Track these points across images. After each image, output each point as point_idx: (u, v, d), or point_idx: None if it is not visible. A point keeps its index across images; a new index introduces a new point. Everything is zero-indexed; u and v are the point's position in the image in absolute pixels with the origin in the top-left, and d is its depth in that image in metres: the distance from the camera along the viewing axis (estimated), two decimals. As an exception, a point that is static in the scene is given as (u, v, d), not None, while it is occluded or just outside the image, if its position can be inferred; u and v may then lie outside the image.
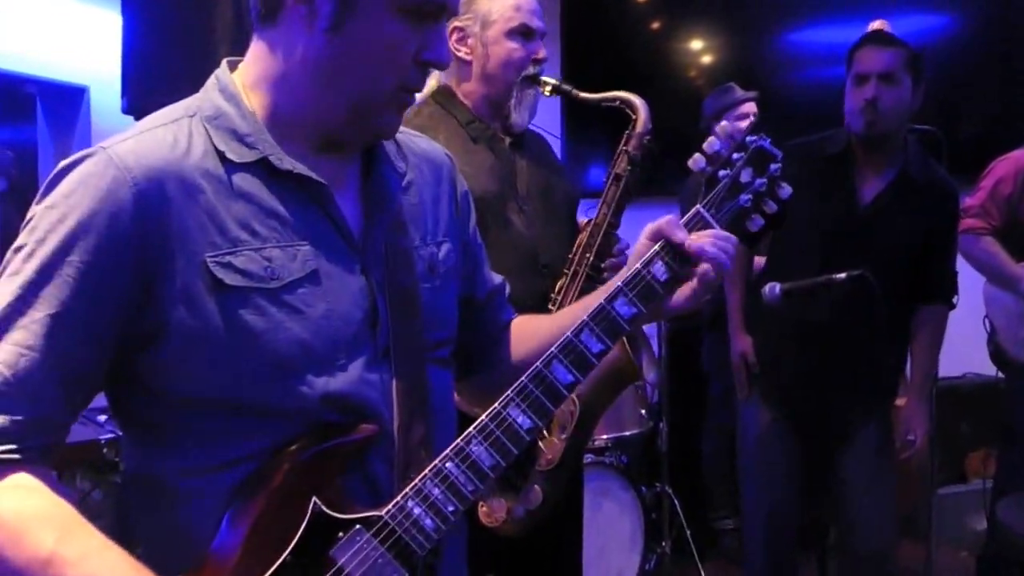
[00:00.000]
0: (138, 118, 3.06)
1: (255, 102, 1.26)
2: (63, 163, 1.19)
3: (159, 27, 2.97)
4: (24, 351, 1.13)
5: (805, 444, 2.99)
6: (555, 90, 2.32)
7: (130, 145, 1.19)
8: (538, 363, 1.28)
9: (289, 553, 1.17)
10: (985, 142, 4.40)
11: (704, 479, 4.56)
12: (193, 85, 1.32)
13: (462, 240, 1.47)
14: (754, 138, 1.39)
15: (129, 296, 1.16)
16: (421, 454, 1.26)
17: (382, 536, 1.20)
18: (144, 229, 1.15)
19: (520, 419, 1.26)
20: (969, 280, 3.65)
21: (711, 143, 1.38)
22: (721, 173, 1.38)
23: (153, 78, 2.95)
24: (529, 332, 1.54)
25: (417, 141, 1.46)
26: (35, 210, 1.18)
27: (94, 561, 1.11)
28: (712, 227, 1.37)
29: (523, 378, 1.27)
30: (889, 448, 3.01)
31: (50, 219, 1.15)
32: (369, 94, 1.23)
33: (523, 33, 2.29)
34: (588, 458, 3.55)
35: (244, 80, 1.27)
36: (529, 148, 2.44)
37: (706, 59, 5.62)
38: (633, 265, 1.35)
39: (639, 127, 2.26)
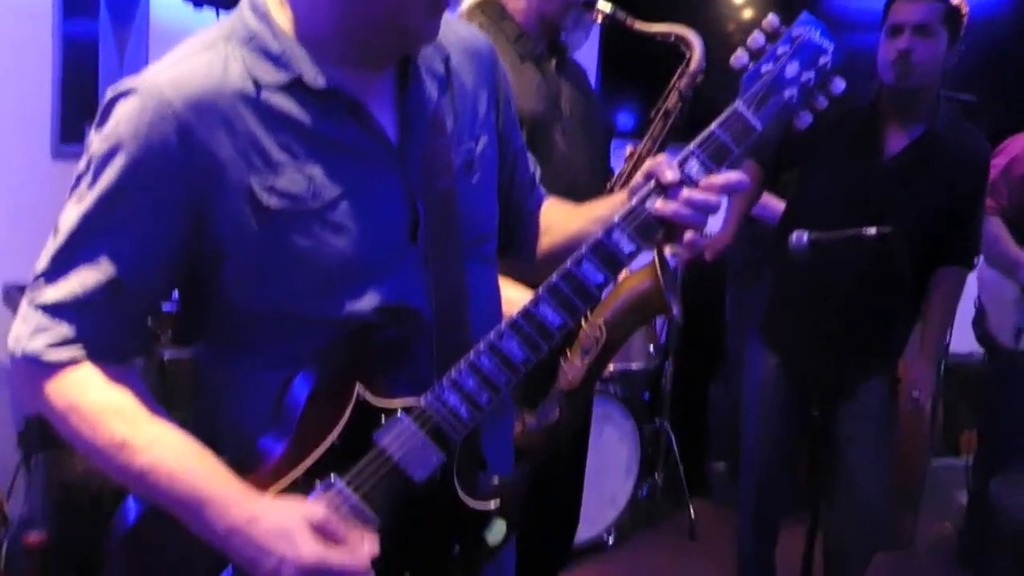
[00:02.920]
0: (198, 6, 3.09)
1: (285, 18, 1.25)
2: (111, 92, 1.24)
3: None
4: (91, 271, 1.22)
5: (806, 394, 2.95)
6: (609, 17, 2.30)
7: (170, 75, 1.22)
8: (568, 262, 1.29)
9: (336, 436, 1.26)
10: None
11: (707, 421, 4.64)
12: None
13: (500, 130, 1.48)
14: (802, 29, 1.25)
15: (182, 222, 1.22)
16: (460, 349, 1.32)
17: (421, 421, 1.28)
18: (188, 158, 1.20)
19: (550, 316, 1.29)
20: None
21: (755, 38, 1.25)
22: (764, 68, 1.24)
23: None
24: (557, 222, 1.57)
25: (457, 29, 1.43)
26: (92, 137, 1.24)
27: (159, 445, 1.23)
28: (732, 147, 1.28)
29: (553, 276, 1.29)
30: (890, 408, 2.99)
31: (104, 149, 1.21)
32: (398, 4, 1.22)
33: None
34: (593, 385, 3.60)
35: None
36: (571, 73, 2.43)
37: (747, 14, 5.57)
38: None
39: (693, 64, 2.23)
